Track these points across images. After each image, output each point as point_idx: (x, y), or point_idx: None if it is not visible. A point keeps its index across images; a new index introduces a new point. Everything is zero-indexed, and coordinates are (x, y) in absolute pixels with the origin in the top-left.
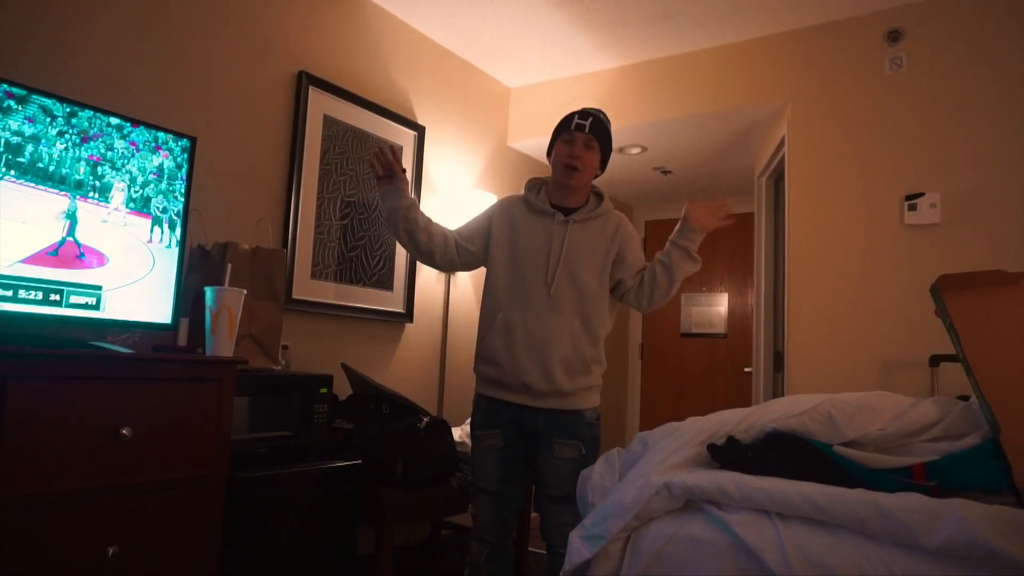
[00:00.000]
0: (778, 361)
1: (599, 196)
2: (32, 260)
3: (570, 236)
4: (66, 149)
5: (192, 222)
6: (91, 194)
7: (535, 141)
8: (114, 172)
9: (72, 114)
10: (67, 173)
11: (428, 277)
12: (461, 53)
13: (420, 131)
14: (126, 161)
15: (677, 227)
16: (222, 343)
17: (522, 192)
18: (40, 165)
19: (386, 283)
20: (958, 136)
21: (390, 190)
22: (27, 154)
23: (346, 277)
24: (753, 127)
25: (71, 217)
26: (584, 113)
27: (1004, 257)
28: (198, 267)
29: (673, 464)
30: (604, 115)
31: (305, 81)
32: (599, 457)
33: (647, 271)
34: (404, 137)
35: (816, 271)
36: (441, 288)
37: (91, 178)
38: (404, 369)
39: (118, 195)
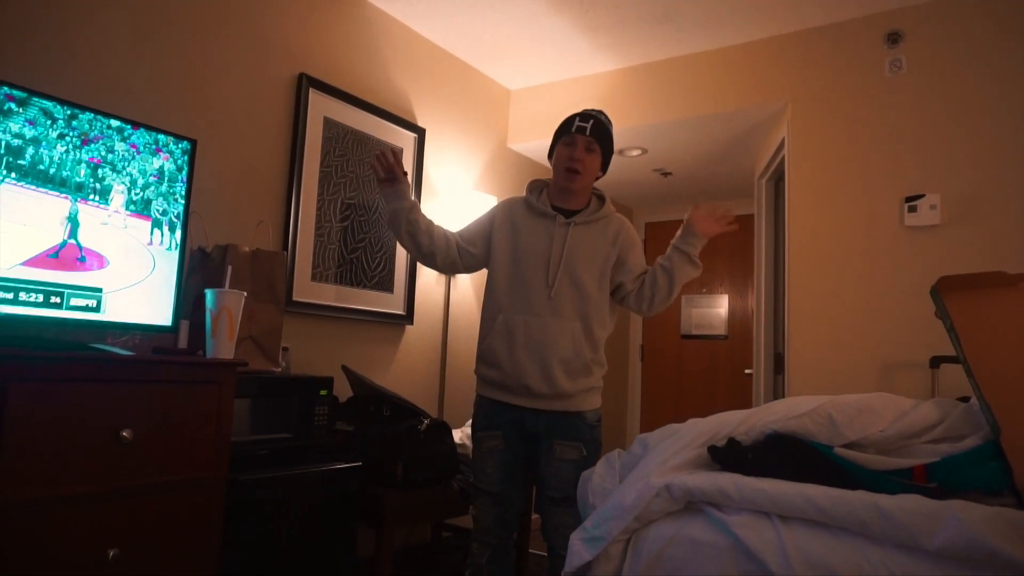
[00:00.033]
0: (778, 363)
1: (601, 199)
2: (33, 262)
3: (571, 238)
4: (67, 152)
5: (192, 224)
6: (92, 196)
7: (535, 143)
8: (115, 174)
9: (73, 116)
10: (68, 176)
11: (428, 279)
12: (461, 55)
13: (420, 133)
14: (127, 163)
15: (679, 232)
16: (222, 345)
17: (523, 194)
18: (41, 168)
19: (386, 285)
20: (958, 137)
21: (392, 192)
22: (28, 157)
23: (346, 279)
24: (753, 129)
25: (72, 219)
26: (585, 115)
27: (1004, 258)
28: (198, 269)
29: (674, 466)
30: (605, 117)
31: (305, 83)
32: (600, 459)
33: (648, 275)
34: (404, 139)
35: (816, 273)
36: (441, 290)
37: (92, 180)
38: (404, 371)
39: (118, 197)
